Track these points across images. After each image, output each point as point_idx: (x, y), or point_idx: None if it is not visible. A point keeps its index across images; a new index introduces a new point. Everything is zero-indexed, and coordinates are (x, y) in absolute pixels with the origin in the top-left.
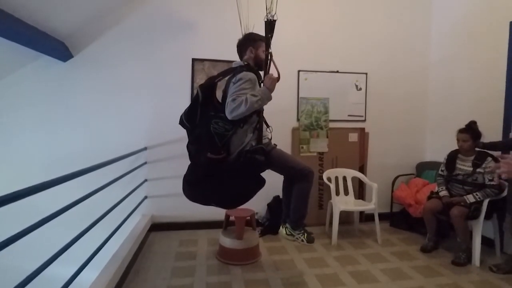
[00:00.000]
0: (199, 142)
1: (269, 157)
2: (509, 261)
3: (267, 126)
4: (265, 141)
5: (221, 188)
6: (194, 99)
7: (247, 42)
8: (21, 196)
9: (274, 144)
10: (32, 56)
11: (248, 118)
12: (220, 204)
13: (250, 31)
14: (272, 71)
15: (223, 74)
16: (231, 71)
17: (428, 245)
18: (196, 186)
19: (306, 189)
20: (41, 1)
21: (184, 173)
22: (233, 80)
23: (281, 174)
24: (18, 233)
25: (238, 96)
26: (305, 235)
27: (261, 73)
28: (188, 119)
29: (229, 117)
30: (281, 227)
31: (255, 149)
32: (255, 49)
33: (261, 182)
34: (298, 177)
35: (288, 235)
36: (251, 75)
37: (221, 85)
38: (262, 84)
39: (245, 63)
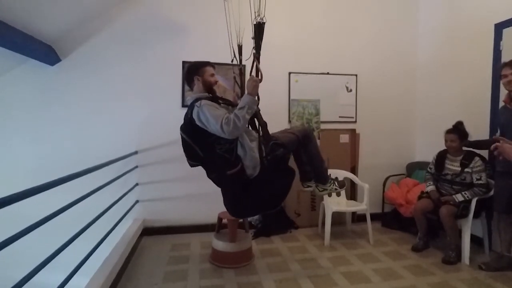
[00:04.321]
0: (215, 168)
1: (284, 145)
2: (497, 259)
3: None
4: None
5: (261, 197)
6: (183, 143)
7: (191, 73)
8: (8, 202)
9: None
10: (19, 60)
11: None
12: (267, 209)
13: (241, 34)
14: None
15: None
16: (189, 108)
17: (419, 245)
18: (238, 205)
19: (314, 147)
20: (27, 4)
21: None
22: (196, 116)
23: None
24: (5, 240)
25: (224, 120)
26: (335, 183)
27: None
28: (193, 159)
29: (230, 137)
30: (310, 187)
31: (271, 148)
32: (201, 76)
33: (293, 173)
34: (303, 139)
35: (321, 191)
36: (203, 101)
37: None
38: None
39: (194, 97)
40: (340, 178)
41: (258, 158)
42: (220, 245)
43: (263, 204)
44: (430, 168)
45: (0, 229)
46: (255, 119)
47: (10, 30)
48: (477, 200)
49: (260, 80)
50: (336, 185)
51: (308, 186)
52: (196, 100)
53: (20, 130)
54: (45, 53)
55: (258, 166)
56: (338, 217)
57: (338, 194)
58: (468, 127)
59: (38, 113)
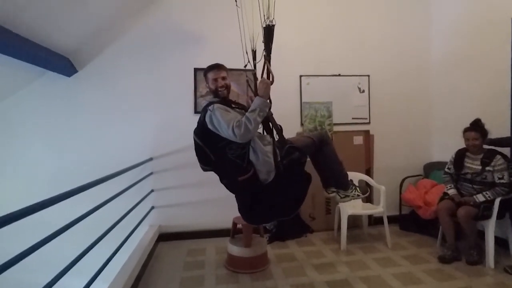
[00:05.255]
0: (227, 174)
1: (299, 149)
2: None
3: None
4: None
5: (277, 203)
6: (196, 147)
7: (204, 79)
8: (30, 212)
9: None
10: (38, 73)
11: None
12: (284, 215)
13: (255, 39)
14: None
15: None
16: (202, 111)
17: (447, 255)
18: (251, 212)
19: (331, 151)
20: (43, 18)
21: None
22: (208, 120)
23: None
24: (29, 248)
25: (235, 123)
26: (357, 189)
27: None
28: (205, 163)
29: (241, 141)
30: (334, 192)
31: (287, 152)
32: (207, 82)
33: (309, 178)
34: (319, 144)
35: (343, 197)
36: (216, 105)
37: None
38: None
39: (208, 101)
40: (355, 181)
41: (273, 162)
42: (235, 250)
43: (278, 210)
44: (449, 168)
45: (23, 236)
46: (269, 123)
47: (28, 44)
48: (500, 200)
49: (272, 82)
50: (358, 191)
51: (332, 192)
52: (210, 104)
53: (40, 140)
54: (62, 65)
55: (273, 171)
56: (354, 220)
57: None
58: (487, 125)
59: (56, 123)
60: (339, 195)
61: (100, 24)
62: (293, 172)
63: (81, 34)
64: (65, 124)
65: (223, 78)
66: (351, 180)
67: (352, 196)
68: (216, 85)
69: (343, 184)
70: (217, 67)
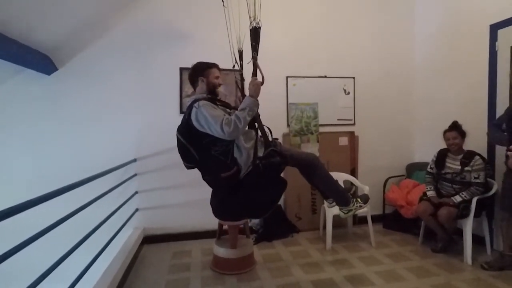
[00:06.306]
0: (210, 170)
1: (282, 155)
2: (499, 258)
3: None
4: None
5: (249, 201)
6: (179, 145)
7: (197, 73)
8: (7, 215)
9: (276, 138)
10: (15, 70)
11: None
12: (253, 216)
13: (241, 40)
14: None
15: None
16: (188, 109)
17: (438, 246)
18: (223, 206)
19: (323, 174)
20: (22, 14)
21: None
22: (194, 117)
23: (293, 166)
24: (6, 252)
25: (224, 120)
26: (358, 200)
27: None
28: (188, 161)
29: (229, 138)
30: (331, 204)
31: (268, 154)
32: (206, 77)
33: (284, 183)
34: (307, 167)
35: (347, 213)
36: (201, 102)
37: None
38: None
39: (193, 98)
40: (340, 181)
41: (252, 157)
42: (221, 251)
43: (250, 210)
44: (432, 168)
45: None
46: (255, 123)
47: (5, 40)
48: (477, 200)
49: (262, 83)
50: (359, 202)
51: (332, 203)
52: (195, 101)
53: (17, 141)
54: (42, 62)
55: (250, 166)
56: (339, 220)
57: None
58: (466, 127)
59: (35, 123)
60: (342, 212)
61: (82, 20)
62: (269, 175)
63: (62, 31)
64: (43, 124)
65: (219, 78)
66: (350, 194)
67: (355, 209)
68: (217, 83)
69: (344, 201)
70: (217, 66)
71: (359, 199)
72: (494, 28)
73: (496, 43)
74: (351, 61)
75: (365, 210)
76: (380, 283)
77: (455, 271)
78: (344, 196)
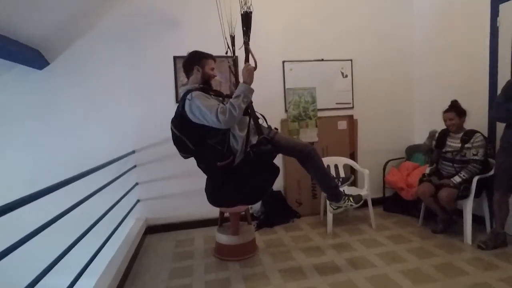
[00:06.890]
0: (206, 159)
1: (275, 143)
2: (494, 236)
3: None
4: (264, 130)
5: (242, 187)
6: (174, 137)
7: (193, 62)
8: (8, 210)
9: (275, 128)
10: (6, 66)
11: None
12: (246, 202)
13: (233, 25)
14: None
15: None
16: (181, 101)
17: (438, 228)
18: (217, 193)
19: (318, 167)
20: (8, 8)
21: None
22: (188, 109)
23: (289, 156)
24: (9, 246)
25: (219, 109)
26: (350, 199)
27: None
28: (185, 151)
29: (225, 127)
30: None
31: (259, 141)
32: (201, 67)
33: (276, 170)
34: (303, 158)
35: (335, 209)
36: (194, 93)
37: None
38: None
39: (185, 89)
40: (340, 165)
41: (244, 144)
42: (224, 238)
43: (243, 196)
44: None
45: (2, 237)
46: (248, 110)
47: None
48: (477, 179)
49: (255, 68)
50: (351, 201)
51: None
52: (187, 92)
53: (13, 138)
54: (33, 57)
55: (242, 154)
56: None
57: None
58: (467, 106)
59: (30, 119)
60: (331, 207)
61: (71, 12)
62: (261, 162)
63: (51, 24)
64: (39, 119)
65: (214, 70)
66: (344, 191)
67: (345, 207)
68: (212, 74)
69: (334, 196)
70: (213, 57)
71: (351, 198)
72: (495, 3)
73: (498, 18)
74: (348, 43)
75: (365, 194)
76: (381, 265)
77: (456, 251)
78: (335, 192)
